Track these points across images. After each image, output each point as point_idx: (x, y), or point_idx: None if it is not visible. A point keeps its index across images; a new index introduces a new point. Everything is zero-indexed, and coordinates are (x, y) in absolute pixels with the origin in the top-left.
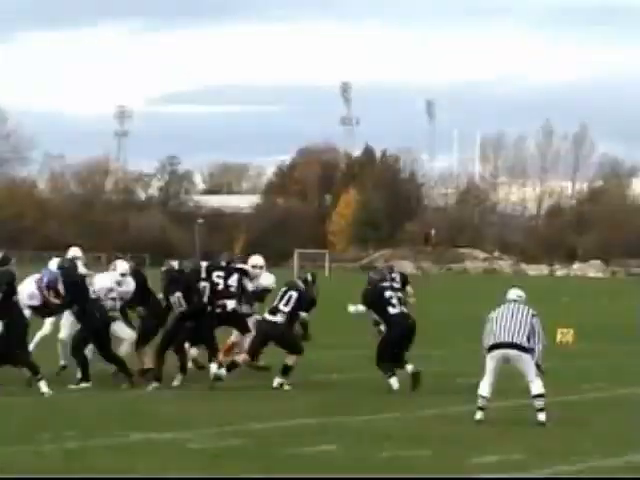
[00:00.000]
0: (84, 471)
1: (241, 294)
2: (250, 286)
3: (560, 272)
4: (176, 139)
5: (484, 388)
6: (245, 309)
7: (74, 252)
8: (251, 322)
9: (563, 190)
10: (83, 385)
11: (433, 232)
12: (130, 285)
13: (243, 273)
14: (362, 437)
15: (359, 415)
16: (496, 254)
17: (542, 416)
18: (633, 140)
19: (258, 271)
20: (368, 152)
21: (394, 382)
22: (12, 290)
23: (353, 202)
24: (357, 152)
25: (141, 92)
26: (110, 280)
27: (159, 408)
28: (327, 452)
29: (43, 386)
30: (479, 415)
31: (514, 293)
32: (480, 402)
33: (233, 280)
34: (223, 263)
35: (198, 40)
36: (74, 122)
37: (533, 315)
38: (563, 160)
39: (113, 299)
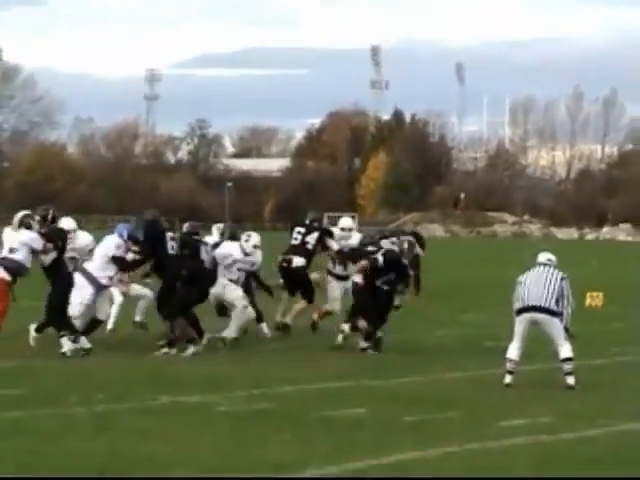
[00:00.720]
0: (112, 434)
1: (334, 256)
2: (335, 246)
3: (590, 236)
4: (205, 103)
5: (513, 352)
6: (339, 270)
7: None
8: (342, 285)
9: (593, 154)
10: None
11: (462, 196)
12: (258, 257)
13: (325, 232)
14: (391, 400)
15: (388, 379)
16: (525, 218)
17: (571, 380)
18: None
19: (346, 233)
20: (397, 116)
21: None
22: (64, 248)
23: (382, 165)
24: (386, 116)
25: (171, 55)
26: (239, 250)
27: (188, 371)
28: (356, 415)
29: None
30: (508, 379)
31: (544, 257)
32: (509, 366)
33: (312, 238)
34: (307, 221)
35: (227, 3)
36: (103, 86)
37: (562, 278)
38: (593, 124)
39: (238, 270)
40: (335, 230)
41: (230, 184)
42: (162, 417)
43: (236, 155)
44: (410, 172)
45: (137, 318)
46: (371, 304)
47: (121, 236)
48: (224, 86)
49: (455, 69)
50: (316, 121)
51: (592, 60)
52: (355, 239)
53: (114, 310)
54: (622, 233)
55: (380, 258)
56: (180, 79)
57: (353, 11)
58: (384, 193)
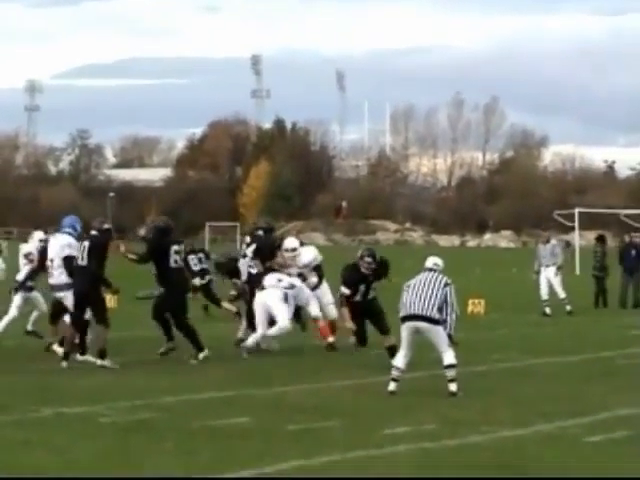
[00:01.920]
0: None
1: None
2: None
3: (471, 243)
4: (87, 113)
5: (399, 359)
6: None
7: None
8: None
9: (474, 161)
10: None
11: (344, 204)
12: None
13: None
14: (274, 409)
15: (270, 387)
16: (407, 225)
17: (453, 386)
18: (543, 111)
19: (292, 254)
20: (279, 124)
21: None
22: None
23: (264, 174)
24: (268, 124)
25: (51, 66)
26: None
27: (69, 383)
28: (239, 424)
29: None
30: (392, 386)
31: (431, 261)
32: (394, 373)
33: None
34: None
35: (107, 13)
36: None
37: (446, 284)
38: (474, 131)
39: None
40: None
41: (112, 194)
42: (45, 429)
43: (117, 165)
44: (292, 181)
45: (29, 327)
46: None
47: (74, 229)
48: (105, 96)
49: (336, 77)
50: (197, 130)
51: (472, 68)
52: (307, 257)
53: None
54: (504, 240)
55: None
56: (61, 89)
57: (233, 20)
58: (266, 202)
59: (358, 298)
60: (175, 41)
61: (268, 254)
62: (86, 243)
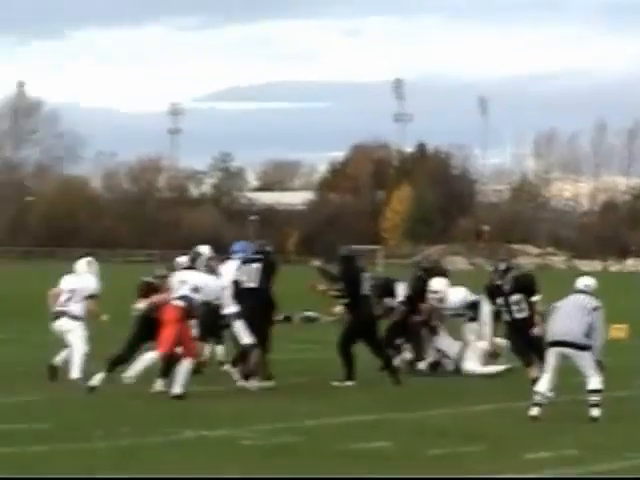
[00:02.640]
0: (137, 469)
1: None
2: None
3: (613, 268)
4: (229, 136)
5: (542, 384)
6: None
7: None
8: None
9: (617, 185)
10: (346, 383)
11: (486, 228)
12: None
13: None
14: (416, 433)
15: (413, 411)
16: (549, 250)
17: (596, 412)
18: None
19: (439, 295)
20: (420, 148)
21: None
22: None
23: (406, 198)
24: (409, 149)
25: (194, 89)
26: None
27: (211, 406)
28: (381, 449)
29: None
30: (534, 411)
31: (582, 282)
32: (536, 398)
33: None
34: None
35: (250, 37)
36: (127, 120)
37: (595, 308)
38: (617, 155)
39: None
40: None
41: (253, 217)
42: (187, 451)
43: (259, 189)
44: (433, 205)
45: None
46: None
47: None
48: (247, 119)
49: (478, 102)
50: (339, 154)
51: (615, 92)
52: (456, 297)
53: None
54: None
55: None
56: (203, 113)
57: (376, 44)
58: (408, 226)
59: (507, 317)
60: (317, 65)
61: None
62: (256, 265)
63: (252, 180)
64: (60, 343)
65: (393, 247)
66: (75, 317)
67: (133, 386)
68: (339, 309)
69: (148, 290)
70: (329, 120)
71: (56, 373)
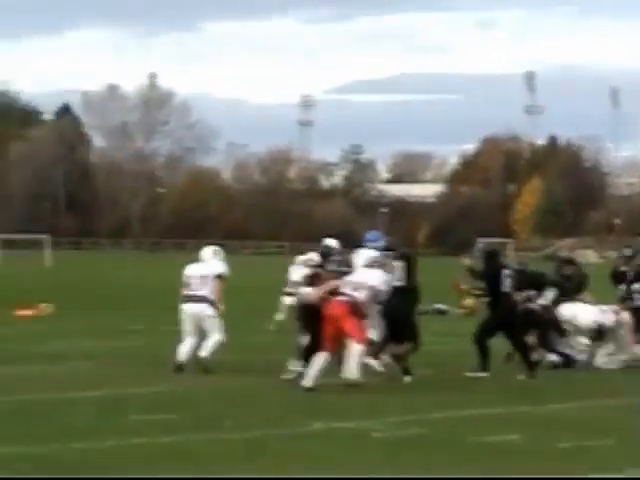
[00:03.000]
0: (266, 460)
1: None
2: None
3: None
4: (359, 128)
5: None
6: None
7: (330, 242)
8: None
9: None
10: (480, 374)
11: (617, 221)
12: None
13: None
14: (544, 426)
15: (542, 405)
16: None
17: None
18: None
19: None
20: (552, 141)
21: None
22: None
23: (537, 191)
24: (541, 141)
25: (325, 81)
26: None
27: (341, 398)
28: (509, 442)
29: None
30: None
31: None
32: None
33: None
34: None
35: (381, 29)
36: (258, 112)
37: None
38: None
39: None
40: None
41: (384, 209)
42: (316, 442)
43: (390, 181)
44: (564, 197)
45: None
46: None
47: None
48: (378, 112)
49: (610, 94)
50: (470, 146)
51: None
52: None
53: None
54: None
55: None
56: (334, 105)
57: (509, 36)
58: (538, 218)
59: (630, 304)
60: (448, 57)
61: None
62: (400, 262)
63: (383, 172)
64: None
65: (523, 240)
66: (208, 301)
67: (263, 377)
68: (469, 302)
69: (314, 278)
70: (460, 112)
71: (182, 368)
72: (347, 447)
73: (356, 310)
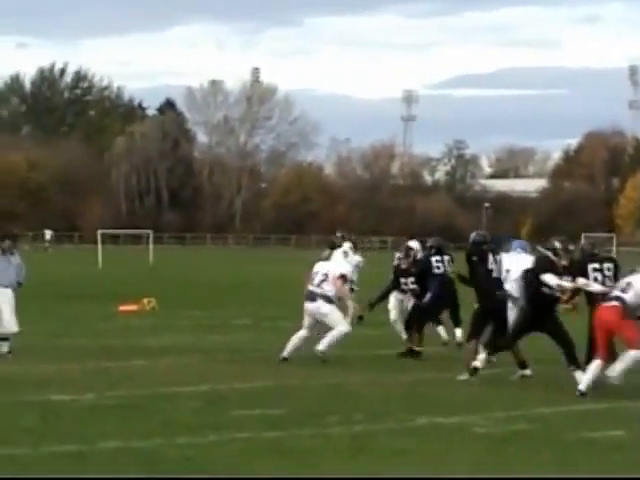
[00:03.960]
0: (369, 455)
1: None
2: None
3: None
4: (462, 123)
5: None
6: None
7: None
8: None
9: None
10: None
11: None
12: None
13: None
14: None
15: None
16: None
17: None
18: None
19: None
20: None
21: None
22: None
23: None
24: None
25: (427, 76)
26: None
27: (443, 393)
28: (615, 437)
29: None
30: None
31: None
32: None
33: None
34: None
35: (485, 23)
36: (360, 107)
37: None
38: None
39: None
40: None
41: (487, 204)
42: (420, 438)
43: (493, 176)
44: None
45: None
46: None
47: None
48: (481, 106)
49: None
50: (573, 141)
51: None
52: None
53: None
54: None
55: None
56: (437, 100)
57: (613, 30)
58: None
59: None
60: (553, 51)
61: None
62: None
63: (486, 167)
64: (296, 328)
65: (627, 235)
66: (329, 299)
67: (368, 373)
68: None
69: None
70: (563, 107)
71: (286, 359)
72: (450, 442)
73: (625, 314)
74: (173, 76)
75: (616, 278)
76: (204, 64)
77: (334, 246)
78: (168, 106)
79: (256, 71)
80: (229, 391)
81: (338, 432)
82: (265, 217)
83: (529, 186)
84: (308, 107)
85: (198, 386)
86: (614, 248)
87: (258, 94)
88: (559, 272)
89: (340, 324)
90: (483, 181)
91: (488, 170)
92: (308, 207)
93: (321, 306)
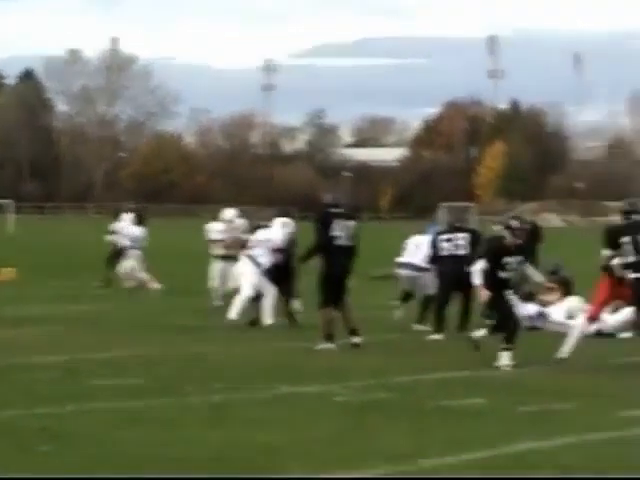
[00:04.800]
0: (229, 424)
1: None
2: None
3: None
4: (322, 93)
5: None
6: None
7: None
8: None
9: None
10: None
11: (579, 185)
12: None
13: None
14: (508, 390)
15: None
16: None
17: None
18: None
19: None
20: (514, 105)
21: None
22: None
23: (499, 155)
24: (503, 105)
25: (288, 46)
26: None
27: (305, 361)
28: (473, 405)
29: None
30: None
31: None
32: None
33: None
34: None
35: None
36: (220, 76)
37: None
38: None
39: None
40: None
41: (347, 174)
42: (280, 407)
43: (353, 145)
44: (527, 162)
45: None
46: None
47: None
48: (341, 76)
49: (572, 58)
50: (433, 111)
51: None
52: None
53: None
54: None
55: None
56: (297, 69)
57: (470, 0)
58: (501, 183)
59: None
60: (412, 21)
61: None
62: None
63: (346, 136)
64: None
65: (486, 204)
66: (257, 263)
67: (227, 343)
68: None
69: None
70: (423, 76)
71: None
72: (311, 411)
73: None
74: (33, 45)
75: (474, 248)
76: (63, 33)
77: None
78: (27, 76)
79: (115, 40)
80: (88, 361)
81: (197, 401)
82: (125, 187)
83: (389, 155)
84: (168, 77)
85: (57, 356)
86: (476, 217)
87: (117, 63)
88: (511, 253)
89: (246, 287)
90: (343, 150)
91: (348, 139)
92: (168, 177)
93: (243, 265)
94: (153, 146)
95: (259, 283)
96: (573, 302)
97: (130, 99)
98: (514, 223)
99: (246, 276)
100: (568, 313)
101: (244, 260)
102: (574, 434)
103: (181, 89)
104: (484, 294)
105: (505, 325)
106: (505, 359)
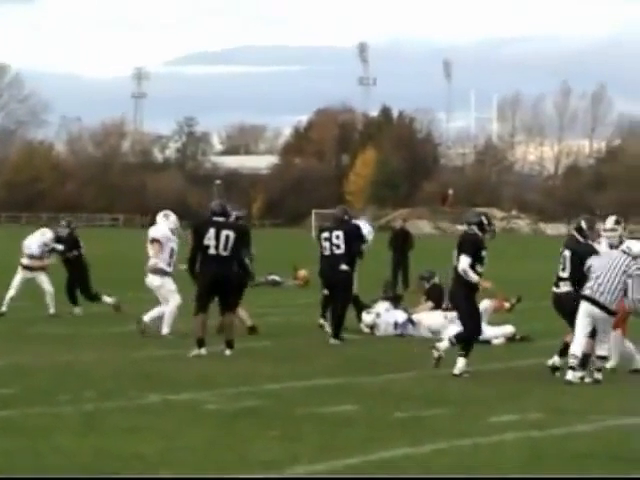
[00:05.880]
0: (100, 432)
1: None
2: None
3: None
4: (193, 100)
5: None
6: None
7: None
8: None
9: (581, 149)
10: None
11: (450, 192)
12: None
13: None
14: (380, 397)
15: (377, 375)
16: (514, 213)
17: (571, 375)
18: None
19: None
20: (385, 112)
21: None
22: None
23: (370, 162)
24: (374, 113)
25: (160, 54)
26: None
27: (175, 370)
28: (345, 412)
29: None
30: (570, 376)
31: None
32: (572, 361)
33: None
34: None
35: (216, 2)
36: (91, 85)
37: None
38: (581, 119)
39: None
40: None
41: (218, 181)
42: (151, 415)
43: (224, 152)
44: (398, 168)
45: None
46: None
47: None
48: (212, 84)
49: (442, 66)
50: (304, 118)
51: (579, 56)
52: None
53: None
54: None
55: None
56: (168, 77)
57: (341, 9)
58: (372, 189)
59: None
60: (283, 29)
61: None
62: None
63: (217, 144)
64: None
65: (358, 211)
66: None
67: (98, 351)
68: (303, 274)
69: None
70: (294, 84)
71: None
72: (182, 419)
73: None
74: None
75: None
76: None
77: None
78: None
79: None
80: None
81: (69, 410)
82: None
83: (260, 163)
84: (39, 85)
85: None
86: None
87: None
88: (484, 248)
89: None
90: (214, 158)
91: (219, 147)
92: (39, 185)
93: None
94: (23, 154)
95: (168, 292)
96: (438, 317)
97: (1, 108)
98: (483, 220)
99: (164, 288)
100: (434, 326)
101: (150, 276)
102: (444, 440)
103: (52, 98)
104: (486, 284)
105: (465, 327)
106: (461, 364)
